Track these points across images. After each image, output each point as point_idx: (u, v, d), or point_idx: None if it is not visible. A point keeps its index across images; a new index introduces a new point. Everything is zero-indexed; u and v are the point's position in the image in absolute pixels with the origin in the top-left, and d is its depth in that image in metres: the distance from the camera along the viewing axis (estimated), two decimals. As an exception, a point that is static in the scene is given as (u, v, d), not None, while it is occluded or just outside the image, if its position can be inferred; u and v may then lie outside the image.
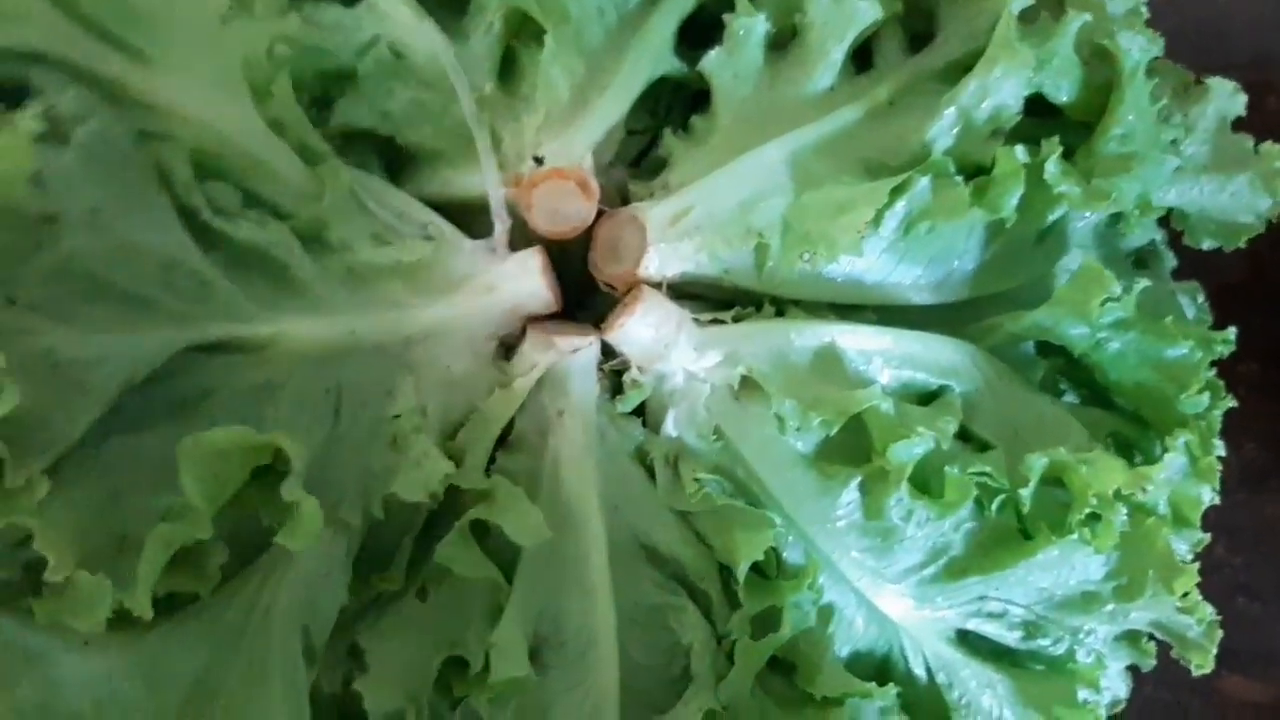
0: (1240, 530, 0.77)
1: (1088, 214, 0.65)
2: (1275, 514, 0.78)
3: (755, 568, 0.58)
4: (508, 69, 0.63)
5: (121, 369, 0.47)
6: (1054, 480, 0.59)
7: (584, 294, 0.66)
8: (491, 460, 0.59)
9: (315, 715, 0.52)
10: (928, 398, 0.61)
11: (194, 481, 0.45)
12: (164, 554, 0.45)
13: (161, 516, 0.46)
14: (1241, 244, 0.68)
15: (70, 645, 0.45)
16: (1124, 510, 0.57)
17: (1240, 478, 0.78)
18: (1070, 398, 0.67)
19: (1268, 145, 0.66)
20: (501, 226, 0.61)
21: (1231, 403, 0.65)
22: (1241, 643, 0.74)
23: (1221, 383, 0.65)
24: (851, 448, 0.58)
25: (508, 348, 0.61)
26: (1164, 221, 0.70)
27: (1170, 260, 0.72)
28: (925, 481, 0.57)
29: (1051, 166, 0.60)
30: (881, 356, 0.60)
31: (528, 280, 0.59)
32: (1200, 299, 0.72)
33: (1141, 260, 0.72)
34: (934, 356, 0.61)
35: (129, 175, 0.49)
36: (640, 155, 0.68)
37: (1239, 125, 0.67)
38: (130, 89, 0.52)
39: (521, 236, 0.63)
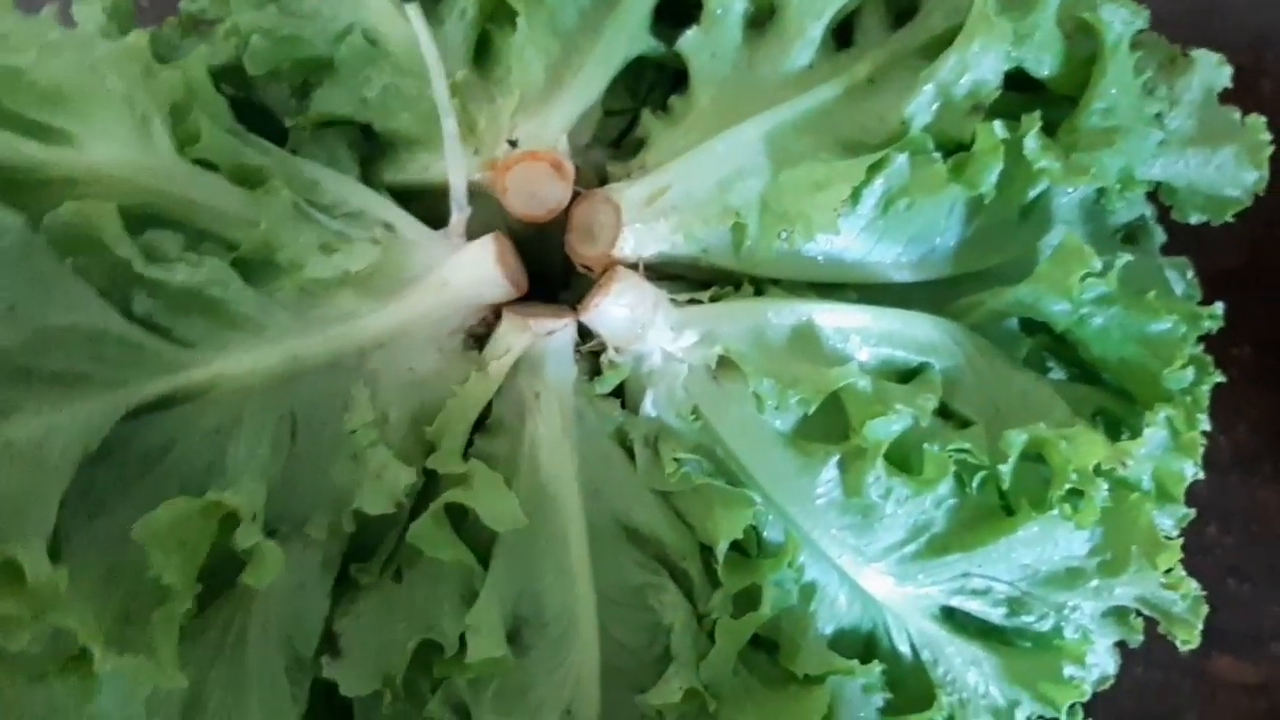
0: (1232, 513, 0.77)
1: (1070, 189, 0.64)
2: (1267, 497, 0.77)
3: (735, 546, 0.58)
4: (483, 53, 0.64)
5: (72, 441, 0.48)
6: (1035, 456, 0.59)
7: (568, 276, 0.66)
8: (470, 444, 0.59)
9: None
10: (908, 375, 0.61)
11: (164, 557, 0.46)
12: (172, 631, 0.47)
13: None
14: (1229, 218, 0.68)
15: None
16: (1105, 486, 0.57)
17: (1232, 460, 0.78)
18: (1057, 374, 0.67)
19: (1253, 118, 0.65)
20: (459, 215, 0.61)
21: (1220, 378, 0.64)
22: (1232, 624, 0.74)
23: (1210, 359, 0.65)
24: (830, 426, 0.58)
25: (479, 338, 0.61)
26: (1154, 197, 0.69)
27: (1160, 236, 0.71)
28: (905, 459, 0.57)
29: (1031, 142, 0.60)
30: (859, 334, 0.60)
31: (482, 270, 0.59)
32: (1190, 274, 0.71)
33: (1131, 236, 0.71)
34: (913, 334, 0.61)
35: (38, 264, 0.50)
36: (620, 136, 0.67)
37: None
38: (49, 169, 0.53)
39: (501, 221, 0.64)
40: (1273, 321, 0.81)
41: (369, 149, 0.67)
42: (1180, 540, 0.59)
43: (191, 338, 0.54)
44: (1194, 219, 0.68)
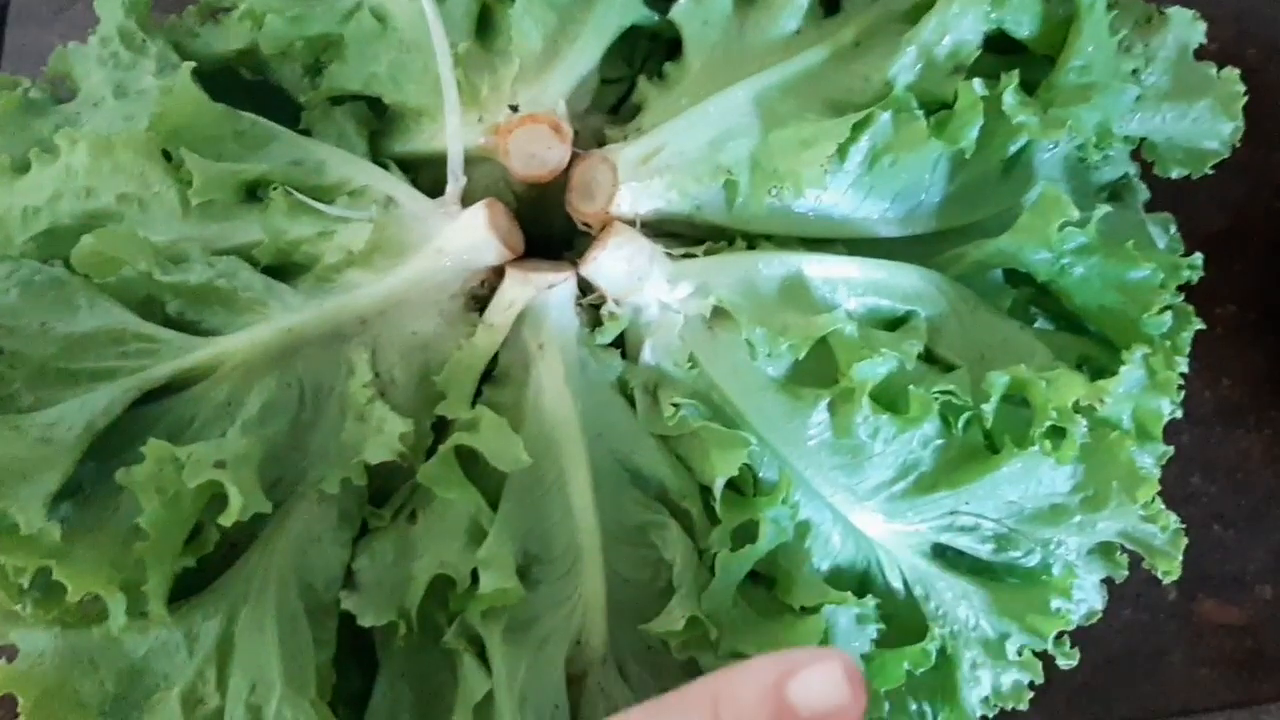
0: (1215, 463, 0.79)
1: (1052, 145, 0.67)
2: (1249, 447, 0.80)
3: (732, 485, 0.60)
4: (484, 25, 0.67)
5: (79, 421, 0.54)
6: (1018, 400, 0.61)
7: (571, 239, 0.69)
8: (479, 395, 0.62)
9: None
10: (894, 323, 0.64)
11: (145, 502, 0.52)
12: (160, 574, 0.53)
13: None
14: (1208, 170, 0.70)
15: (138, 626, 0.54)
16: (1085, 424, 0.59)
17: (1216, 413, 0.81)
18: (1042, 325, 0.69)
19: (1227, 70, 0.68)
20: (455, 185, 0.64)
21: (1200, 325, 0.67)
22: (1216, 568, 0.77)
23: (1191, 308, 0.68)
24: (820, 371, 0.61)
25: (481, 299, 0.64)
26: (1137, 156, 0.72)
27: (1143, 193, 0.74)
28: (892, 401, 0.60)
29: (1009, 97, 0.62)
30: (846, 284, 0.63)
31: (475, 235, 0.62)
32: (1172, 230, 0.74)
33: (1115, 194, 0.74)
34: (899, 283, 0.63)
35: (66, 291, 0.59)
36: (618, 103, 0.70)
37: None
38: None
39: (506, 186, 0.67)
40: (1255, 280, 0.84)
41: (378, 123, 0.70)
42: (1158, 474, 0.62)
43: (213, 327, 0.60)
44: (1175, 173, 0.70)
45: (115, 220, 0.62)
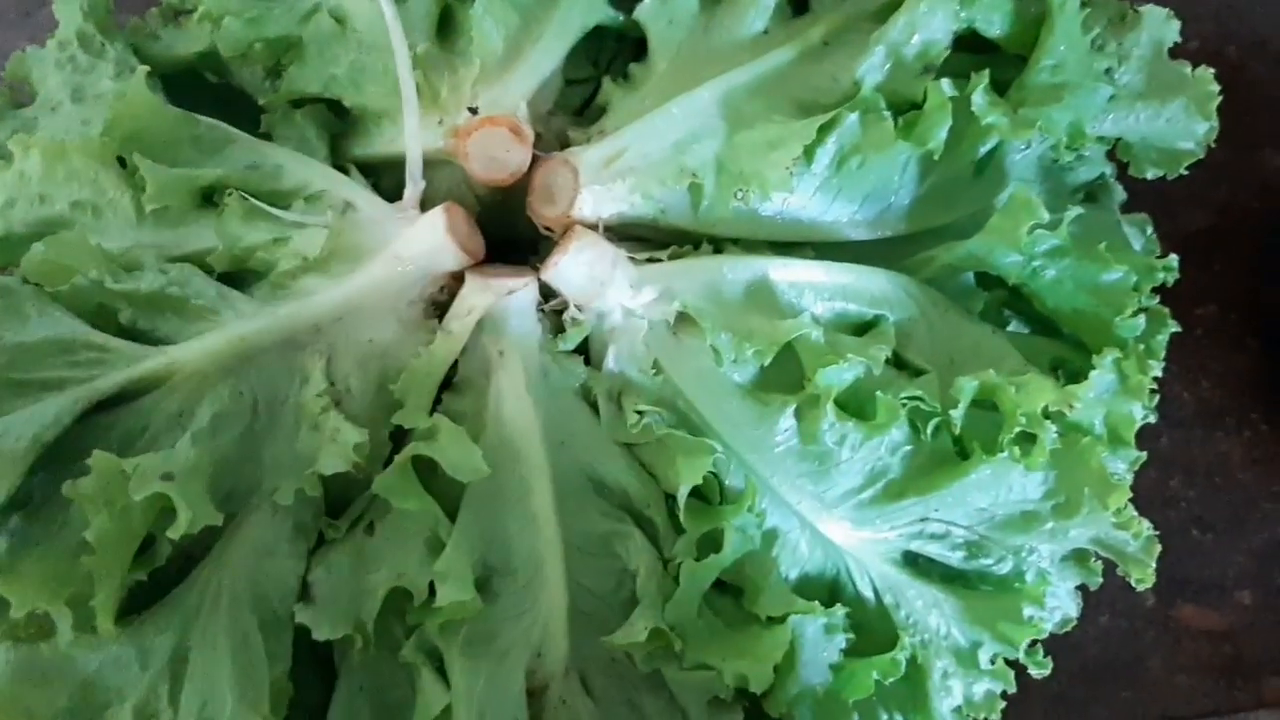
0: (1194, 466, 0.78)
1: (1024, 146, 0.66)
2: (1229, 450, 0.79)
3: (698, 494, 0.59)
4: (445, 26, 0.66)
5: (26, 433, 0.54)
6: (988, 405, 0.60)
7: (538, 241, 0.68)
8: (439, 403, 0.61)
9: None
10: (862, 328, 0.63)
11: (92, 515, 0.51)
12: (107, 589, 0.52)
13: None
14: (1183, 170, 0.69)
15: (89, 642, 0.54)
16: (1055, 429, 0.58)
17: (1196, 415, 0.80)
18: (1016, 327, 0.68)
19: (1201, 69, 0.67)
20: (413, 188, 0.63)
21: (1176, 328, 0.66)
22: (1194, 572, 0.76)
23: (1167, 310, 0.67)
24: (786, 377, 0.60)
25: (441, 305, 0.63)
26: (1114, 157, 0.71)
27: (1120, 194, 0.73)
28: (859, 407, 0.59)
29: (978, 98, 0.61)
30: (813, 289, 0.62)
31: (434, 241, 0.61)
32: (1149, 231, 0.73)
33: (1091, 195, 0.73)
34: (867, 287, 0.62)
35: (14, 300, 0.57)
36: (583, 105, 0.69)
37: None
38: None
39: (467, 190, 0.66)
40: (1236, 282, 0.83)
41: (339, 126, 0.69)
42: (1130, 479, 0.61)
43: (165, 335, 0.59)
44: (1150, 174, 0.69)
45: (69, 227, 0.61)
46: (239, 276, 0.61)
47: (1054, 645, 0.63)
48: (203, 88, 0.72)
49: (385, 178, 0.66)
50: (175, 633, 0.54)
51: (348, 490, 0.59)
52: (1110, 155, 0.71)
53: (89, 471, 0.52)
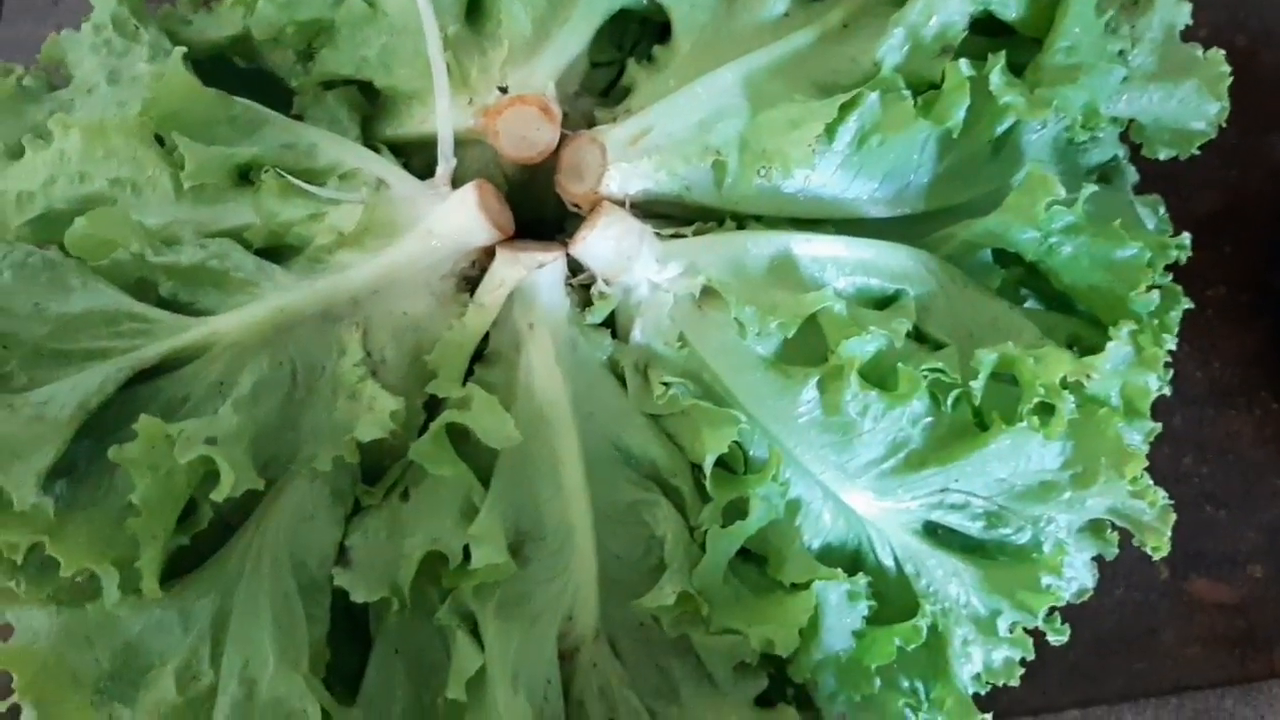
0: (1207, 443, 0.80)
1: (1040, 126, 0.67)
2: (1239, 428, 0.80)
3: (723, 464, 0.61)
4: (474, 9, 0.67)
5: (72, 400, 0.55)
6: (1007, 378, 0.61)
7: (563, 219, 0.69)
8: (471, 374, 0.62)
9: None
10: (883, 302, 0.64)
11: (137, 479, 0.52)
12: (152, 550, 0.54)
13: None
14: (1195, 151, 0.70)
15: (133, 603, 0.55)
16: (1073, 400, 0.60)
17: (1208, 394, 0.81)
18: (1032, 304, 0.70)
19: (1213, 51, 0.68)
20: (445, 166, 0.65)
21: (1188, 304, 0.67)
22: (1208, 547, 0.77)
23: (1179, 288, 0.68)
24: (809, 350, 0.61)
25: (471, 280, 0.65)
26: (1126, 138, 0.72)
27: (1133, 176, 0.74)
28: (881, 378, 0.60)
29: (996, 78, 0.63)
30: (835, 263, 0.63)
31: (465, 216, 0.63)
32: (1161, 211, 0.74)
33: (1105, 176, 0.74)
34: (887, 262, 0.64)
35: (58, 272, 0.59)
36: (608, 87, 0.71)
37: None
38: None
39: (496, 168, 0.67)
40: (1246, 264, 0.84)
41: (369, 108, 0.71)
42: (1146, 450, 0.62)
43: (205, 307, 0.61)
44: (1162, 154, 0.70)
45: (108, 204, 0.62)
46: (276, 252, 0.63)
47: (1069, 617, 0.64)
48: (231, 73, 0.74)
49: (415, 158, 0.68)
50: (216, 596, 0.56)
51: (382, 459, 0.60)
52: (1123, 138, 0.72)
53: (133, 438, 0.53)
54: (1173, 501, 0.63)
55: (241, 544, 0.57)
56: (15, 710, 0.54)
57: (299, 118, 0.69)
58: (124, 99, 0.67)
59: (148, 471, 0.51)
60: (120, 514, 0.53)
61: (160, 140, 0.63)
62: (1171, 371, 0.65)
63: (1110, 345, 0.60)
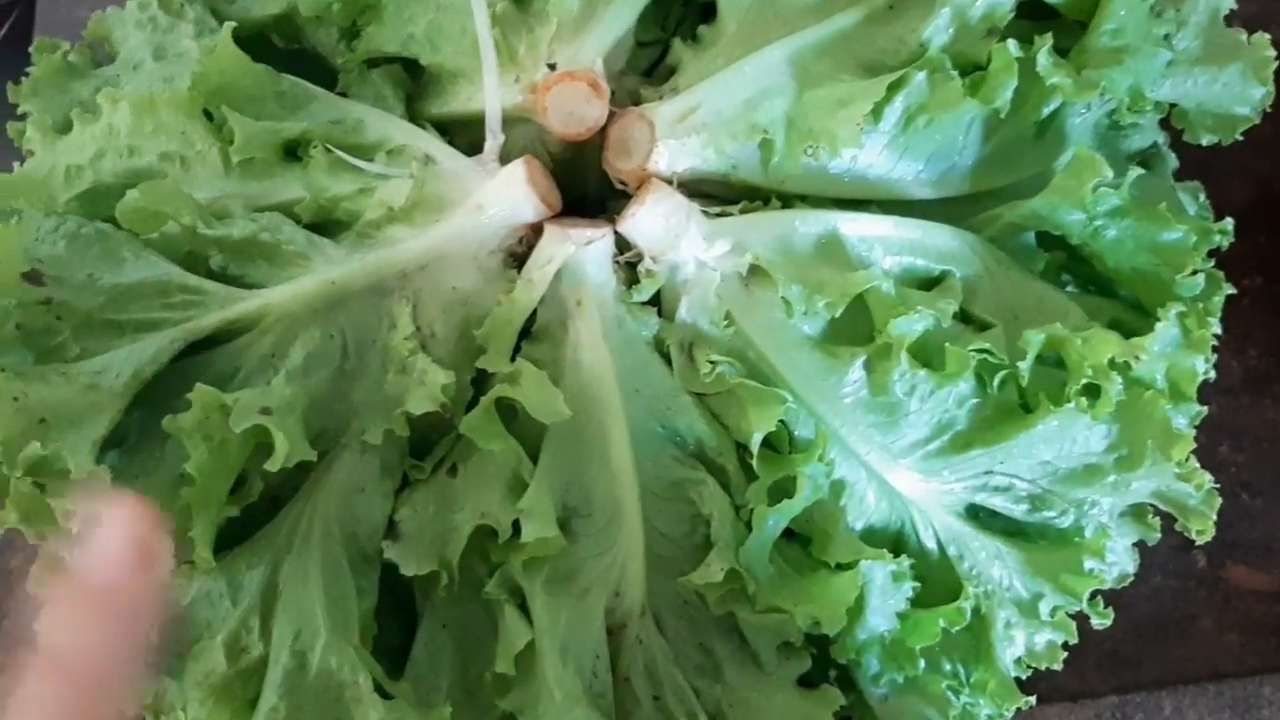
0: (1243, 432, 0.80)
1: (1084, 110, 0.67)
2: (1275, 417, 0.80)
3: (768, 443, 0.61)
4: (521, -15, 0.67)
5: (126, 369, 0.55)
6: (1053, 359, 0.61)
7: (606, 201, 0.69)
8: (518, 350, 0.62)
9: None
10: (929, 283, 0.64)
11: (191, 449, 0.52)
12: (206, 520, 0.54)
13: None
14: (1238, 136, 0.70)
15: (183, 574, 0.56)
16: (1120, 381, 0.60)
17: (1243, 383, 0.81)
18: (1073, 289, 0.69)
19: (1258, 35, 0.68)
20: (493, 142, 0.65)
21: (1231, 290, 0.67)
22: (1244, 535, 0.77)
23: (1221, 274, 0.68)
24: (856, 329, 0.61)
25: (519, 256, 0.65)
26: (1167, 125, 0.72)
27: (1173, 162, 0.74)
28: (928, 359, 0.60)
29: (1043, 59, 0.63)
30: (882, 243, 0.63)
31: (514, 192, 0.63)
32: (1201, 198, 0.74)
33: (1145, 163, 0.74)
34: (934, 243, 0.64)
35: (110, 244, 0.59)
36: (652, 67, 0.71)
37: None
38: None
39: (542, 145, 0.67)
40: (1280, 253, 0.84)
41: (414, 86, 0.71)
42: (1192, 433, 0.62)
43: (256, 280, 0.61)
44: (1205, 140, 0.70)
45: (158, 178, 0.62)
46: (326, 226, 0.63)
47: (1107, 603, 0.64)
48: (271, 52, 0.74)
49: (459, 137, 0.68)
50: (266, 567, 0.56)
51: (431, 432, 0.60)
52: (1163, 124, 0.72)
53: (185, 409, 0.53)
54: (1211, 489, 0.63)
55: (292, 516, 0.57)
56: None
57: (343, 95, 0.69)
58: (170, 75, 0.67)
59: (202, 441, 0.52)
60: (173, 484, 0.53)
61: (209, 115, 0.63)
62: (1215, 356, 0.65)
63: (1159, 326, 0.60)
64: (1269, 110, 0.69)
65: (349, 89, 0.69)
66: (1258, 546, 0.77)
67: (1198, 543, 0.64)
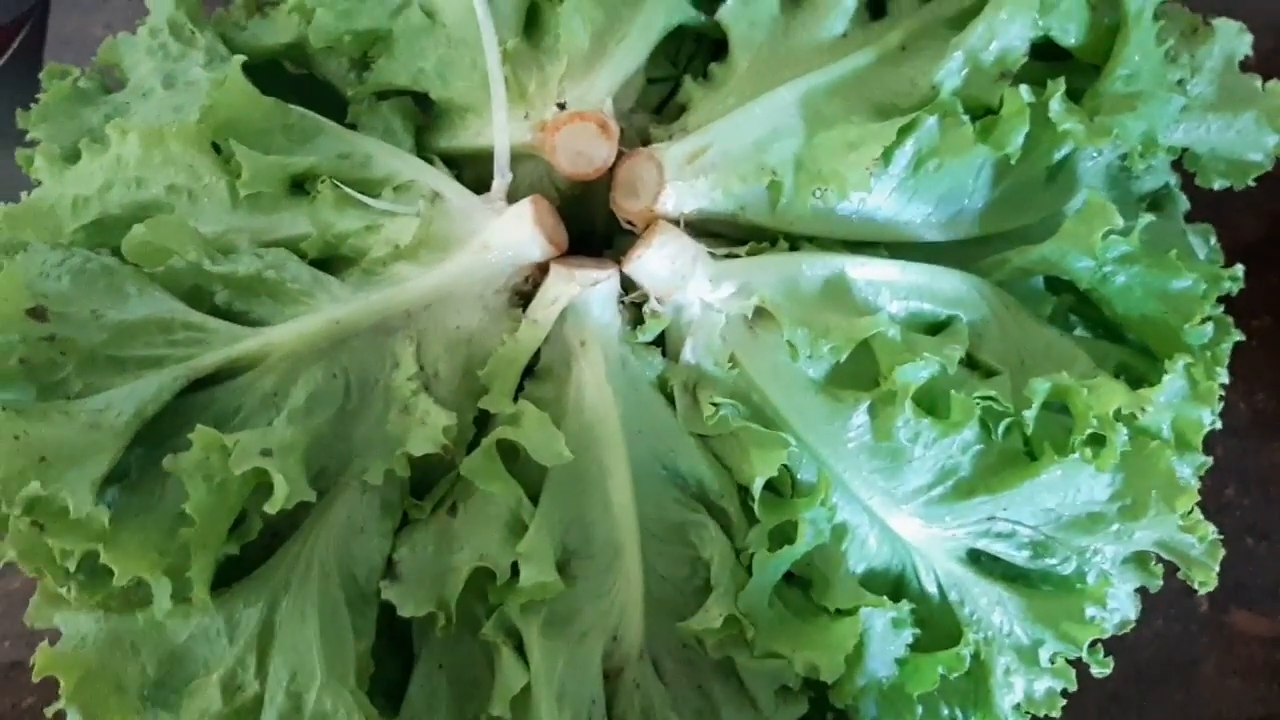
0: (1250, 474, 0.79)
1: (1096, 154, 0.67)
2: (1283, 459, 0.80)
3: (771, 487, 0.61)
4: (532, 23, 0.67)
5: (128, 407, 0.55)
6: (1059, 407, 0.61)
7: (612, 239, 0.69)
8: (521, 389, 0.62)
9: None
10: (936, 328, 0.64)
11: (190, 489, 0.52)
12: (204, 561, 0.54)
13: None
14: (1251, 182, 0.70)
15: (181, 612, 0.55)
16: (1125, 432, 0.59)
17: (1251, 425, 0.81)
18: (1081, 333, 0.69)
19: (1273, 83, 0.68)
20: (501, 180, 0.65)
21: (1239, 337, 0.67)
22: (1249, 579, 0.77)
23: (1230, 320, 0.67)
24: (861, 374, 0.61)
25: (524, 295, 0.65)
26: (1178, 167, 0.71)
27: (1184, 204, 0.74)
28: (933, 405, 0.60)
29: (1056, 104, 0.62)
30: (889, 287, 0.63)
31: (521, 231, 0.63)
32: (1213, 241, 0.74)
33: (1156, 204, 0.73)
34: (941, 287, 0.63)
35: (116, 279, 0.59)
36: (662, 104, 0.71)
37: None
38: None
39: (550, 184, 0.67)
40: (1292, 293, 0.84)
41: (424, 119, 0.71)
42: (1197, 484, 0.61)
43: (260, 317, 0.61)
44: (1217, 184, 0.70)
45: (165, 211, 0.62)
46: (331, 262, 0.63)
47: (1110, 647, 0.63)
48: (283, 80, 0.74)
49: (467, 171, 0.68)
50: (264, 605, 0.56)
51: (431, 472, 0.60)
52: (1174, 165, 0.72)
53: (186, 447, 0.53)
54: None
55: (290, 554, 0.57)
56: (61, 716, 0.54)
57: (352, 127, 0.69)
58: (179, 104, 0.67)
59: (202, 482, 0.52)
60: (173, 523, 0.53)
61: (217, 148, 0.63)
62: (1221, 405, 0.64)
63: (1166, 378, 0.60)
64: (1281, 150, 0.69)
65: (358, 120, 0.69)
66: (1262, 591, 0.77)
67: (1201, 593, 0.63)
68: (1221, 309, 0.66)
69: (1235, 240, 0.78)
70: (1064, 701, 0.63)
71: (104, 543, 0.52)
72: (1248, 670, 0.75)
